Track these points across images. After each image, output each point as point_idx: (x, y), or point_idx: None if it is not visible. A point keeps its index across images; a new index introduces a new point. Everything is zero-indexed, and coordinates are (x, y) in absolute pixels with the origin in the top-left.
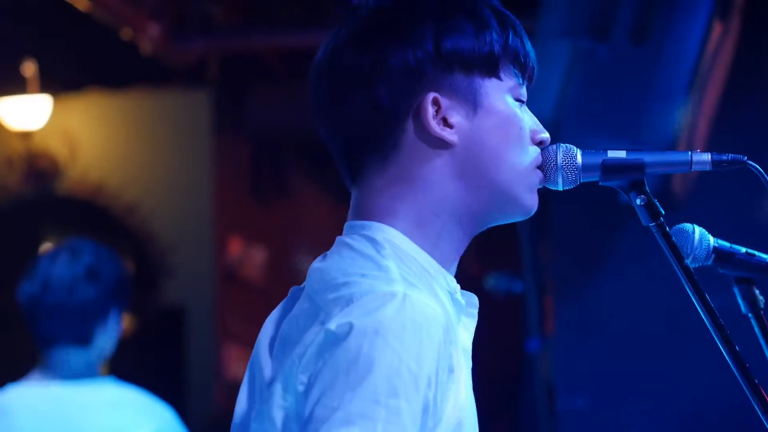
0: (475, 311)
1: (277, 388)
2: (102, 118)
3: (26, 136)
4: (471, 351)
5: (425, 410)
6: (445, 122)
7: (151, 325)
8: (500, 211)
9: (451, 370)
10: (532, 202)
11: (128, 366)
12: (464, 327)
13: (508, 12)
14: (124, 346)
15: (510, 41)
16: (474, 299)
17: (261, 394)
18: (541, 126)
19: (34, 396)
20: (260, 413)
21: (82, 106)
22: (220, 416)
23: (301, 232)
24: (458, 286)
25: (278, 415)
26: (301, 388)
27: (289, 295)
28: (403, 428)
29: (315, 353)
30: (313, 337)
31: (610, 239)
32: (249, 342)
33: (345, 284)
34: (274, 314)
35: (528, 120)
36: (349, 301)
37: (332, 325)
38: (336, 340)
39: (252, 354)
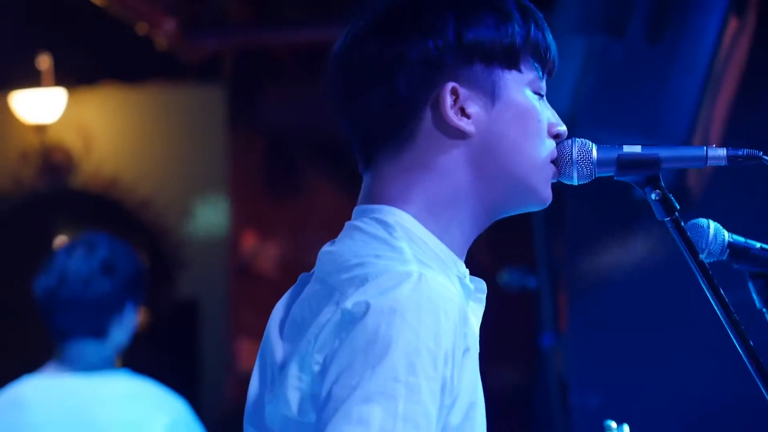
0: (483, 296)
1: (293, 369)
2: (116, 112)
3: (41, 129)
4: (479, 336)
5: (443, 388)
6: (463, 112)
7: (164, 319)
8: (514, 203)
9: (467, 350)
10: (547, 194)
11: (142, 359)
12: (472, 312)
13: (530, 4)
14: (137, 339)
15: (532, 34)
16: (482, 285)
17: (274, 376)
18: (559, 119)
19: (49, 388)
20: (275, 395)
21: (96, 100)
22: (232, 409)
23: (314, 227)
24: (467, 271)
25: (294, 396)
26: (316, 368)
27: (298, 281)
28: (423, 406)
29: (331, 332)
30: (329, 316)
31: (624, 235)
32: (262, 335)
33: (359, 265)
34: (284, 299)
35: (546, 113)
36: (363, 281)
37: (348, 305)
38: (353, 319)
39: (263, 339)
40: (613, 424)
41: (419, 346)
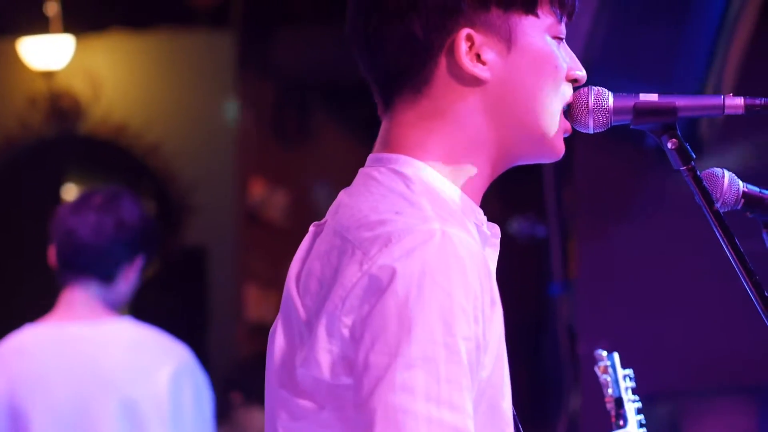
0: (497, 241)
1: (321, 332)
2: (125, 58)
3: (49, 75)
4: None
5: (477, 346)
6: (479, 59)
7: (172, 266)
8: (528, 152)
9: (493, 302)
10: (560, 146)
11: (150, 306)
12: (489, 258)
13: None
14: (145, 286)
15: None
16: (496, 229)
17: (302, 334)
18: (578, 63)
19: (52, 335)
20: (307, 358)
21: (105, 46)
22: (241, 356)
23: (323, 174)
24: (485, 218)
25: (325, 359)
26: (345, 331)
27: (310, 233)
28: (462, 366)
29: (358, 297)
30: (354, 279)
31: (634, 183)
32: (270, 283)
33: (380, 222)
34: (300, 253)
35: (565, 58)
36: (387, 241)
37: (374, 269)
38: (380, 284)
39: (283, 297)
40: (604, 353)
41: (453, 306)
